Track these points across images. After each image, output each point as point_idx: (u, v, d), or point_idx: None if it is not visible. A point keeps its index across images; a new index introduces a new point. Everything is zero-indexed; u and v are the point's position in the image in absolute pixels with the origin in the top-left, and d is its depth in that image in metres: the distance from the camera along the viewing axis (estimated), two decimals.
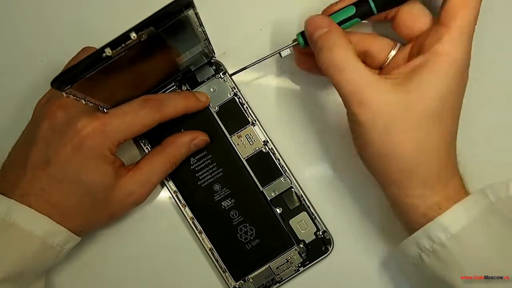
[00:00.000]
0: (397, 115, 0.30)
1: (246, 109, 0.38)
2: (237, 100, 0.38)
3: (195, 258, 0.39)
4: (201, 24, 0.30)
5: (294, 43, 0.35)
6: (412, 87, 0.30)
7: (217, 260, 0.38)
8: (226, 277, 0.38)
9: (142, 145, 0.38)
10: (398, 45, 0.35)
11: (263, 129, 0.38)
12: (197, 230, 0.38)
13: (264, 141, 0.38)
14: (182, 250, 0.39)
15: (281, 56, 0.36)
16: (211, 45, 0.34)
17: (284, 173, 0.38)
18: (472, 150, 0.36)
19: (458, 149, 0.33)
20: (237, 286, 0.38)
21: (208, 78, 0.39)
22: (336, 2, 0.34)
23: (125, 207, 0.36)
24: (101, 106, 0.32)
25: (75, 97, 0.28)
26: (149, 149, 0.38)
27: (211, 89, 0.39)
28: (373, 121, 0.30)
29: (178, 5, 0.26)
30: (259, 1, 0.40)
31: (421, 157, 0.30)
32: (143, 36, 0.25)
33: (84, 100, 0.29)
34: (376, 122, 0.30)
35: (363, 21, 0.34)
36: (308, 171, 0.39)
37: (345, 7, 0.33)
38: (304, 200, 0.38)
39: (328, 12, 0.34)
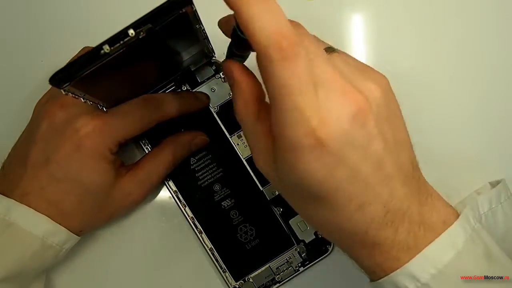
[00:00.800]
0: (283, 191, 0.27)
1: None
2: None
3: (195, 258, 0.39)
4: (200, 22, 0.30)
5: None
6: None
7: (217, 260, 0.38)
8: (226, 277, 0.38)
9: (142, 145, 0.38)
10: None
11: None
12: (197, 230, 0.38)
13: None
14: (182, 250, 0.39)
15: None
16: (211, 45, 0.34)
17: None
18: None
19: None
20: (237, 286, 0.38)
21: (208, 78, 0.39)
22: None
23: (124, 207, 0.36)
24: (100, 105, 0.32)
25: (73, 95, 0.28)
26: (149, 149, 0.38)
27: (211, 89, 0.39)
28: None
29: (176, 2, 0.26)
30: None
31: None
32: (142, 33, 0.25)
33: (83, 98, 0.29)
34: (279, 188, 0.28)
35: None
36: None
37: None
38: None
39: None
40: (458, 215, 0.28)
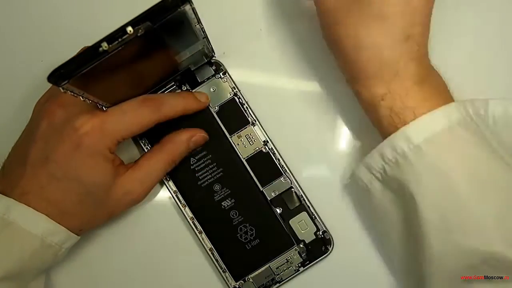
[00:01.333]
0: (341, 9, 0.32)
1: (246, 109, 0.38)
2: (237, 100, 0.38)
3: (195, 258, 0.39)
4: (199, 21, 0.30)
5: None
6: None
7: (217, 260, 0.38)
8: (226, 277, 0.38)
9: (142, 144, 0.38)
10: None
11: (263, 129, 0.38)
12: (197, 230, 0.38)
13: (264, 141, 0.38)
14: (182, 250, 0.39)
15: None
16: (211, 44, 0.34)
17: (284, 173, 0.38)
18: None
19: None
20: (237, 286, 0.38)
21: (208, 78, 0.39)
22: None
23: (124, 206, 0.36)
24: (99, 104, 0.32)
25: (72, 93, 0.28)
26: (149, 149, 0.38)
27: (211, 89, 0.39)
28: (328, 16, 0.32)
29: (175, 0, 0.26)
30: (259, 1, 0.40)
31: (360, 51, 0.31)
32: (140, 31, 0.25)
33: (82, 97, 0.29)
34: (330, 17, 0.32)
35: None
36: (308, 171, 0.39)
37: None
38: (304, 200, 0.38)
39: None
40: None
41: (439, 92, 0.32)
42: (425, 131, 0.30)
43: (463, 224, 0.29)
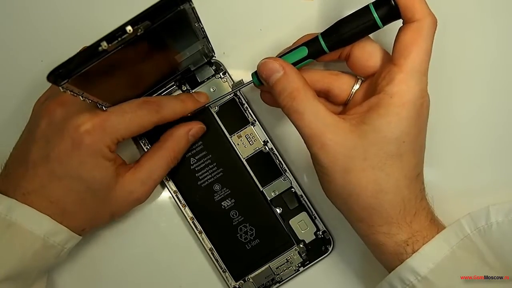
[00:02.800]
0: (355, 157, 0.30)
1: (246, 109, 0.38)
2: (237, 100, 0.38)
3: (195, 258, 0.39)
4: (198, 20, 0.30)
5: (249, 82, 0.35)
6: (368, 128, 0.30)
7: (217, 260, 0.38)
8: (226, 277, 0.38)
9: (142, 144, 0.38)
10: (360, 81, 0.35)
11: (263, 129, 0.38)
12: (197, 230, 0.38)
13: (264, 141, 0.38)
14: (182, 250, 0.39)
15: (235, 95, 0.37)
16: (211, 44, 0.34)
17: (284, 173, 0.38)
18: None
19: (426, 179, 0.33)
20: (237, 286, 0.38)
21: (208, 78, 0.39)
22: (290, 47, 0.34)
23: (127, 206, 0.36)
24: (100, 104, 0.32)
25: (72, 93, 0.28)
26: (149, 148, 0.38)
27: (211, 89, 0.39)
28: (334, 163, 0.30)
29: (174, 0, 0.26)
30: (259, 1, 0.40)
31: (381, 196, 0.30)
32: (140, 30, 0.25)
33: (82, 97, 0.29)
34: (336, 163, 0.30)
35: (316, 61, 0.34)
36: (308, 171, 0.39)
37: (296, 47, 0.33)
38: (304, 200, 0.38)
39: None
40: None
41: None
42: (429, 261, 0.30)
43: None
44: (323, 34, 0.33)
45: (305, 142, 0.31)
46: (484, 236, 0.32)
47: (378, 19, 0.31)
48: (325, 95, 0.35)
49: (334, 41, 0.32)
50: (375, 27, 0.31)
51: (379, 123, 0.30)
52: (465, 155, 0.39)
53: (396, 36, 0.31)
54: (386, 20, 0.31)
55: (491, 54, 0.39)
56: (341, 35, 0.32)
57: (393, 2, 0.30)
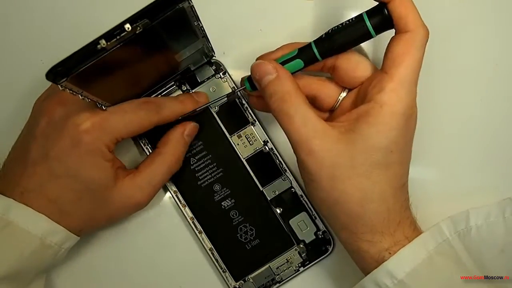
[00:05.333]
0: (343, 164, 0.30)
1: (246, 109, 0.38)
2: (237, 100, 0.38)
3: (195, 258, 0.39)
4: (198, 19, 0.30)
5: (242, 88, 0.35)
6: (356, 136, 0.30)
7: (217, 260, 0.38)
8: (226, 277, 0.38)
9: (142, 144, 0.38)
10: (347, 89, 0.35)
11: (263, 129, 0.38)
12: (197, 230, 0.38)
13: (264, 141, 0.38)
14: (182, 250, 0.39)
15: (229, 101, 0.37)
16: (210, 44, 0.34)
17: (284, 173, 0.38)
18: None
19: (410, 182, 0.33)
20: (237, 286, 0.38)
21: (208, 78, 0.39)
22: (277, 49, 0.34)
23: (125, 210, 0.36)
24: (99, 103, 0.32)
25: (71, 91, 0.28)
26: (149, 149, 0.38)
27: (211, 89, 0.39)
28: (320, 169, 0.30)
29: None
30: (259, 1, 0.40)
31: (367, 204, 0.30)
32: (138, 28, 0.25)
33: (81, 95, 0.29)
34: (323, 170, 0.30)
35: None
36: None
37: (289, 53, 0.33)
38: (304, 200, 0.38)
39: (272, 57, 0.34)
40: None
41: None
42: (406, 265, 0.30)
43: None
44: (316, 41, 0.32)
45: (292, 147, 0.31)
46: (464, 240, 0.32)
47: (371, 28, 0.31)
48: (311, 101, 0.35)
49: (326, 49, 0.32)
50: (368, 36, 0.31)
51: (367, 132, 0.30)
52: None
53: (388, 45, 0.31)
54: (379, 30, 0.31)
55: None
56: (334, 43, 0.32)
57: (386, 12, 0.30)
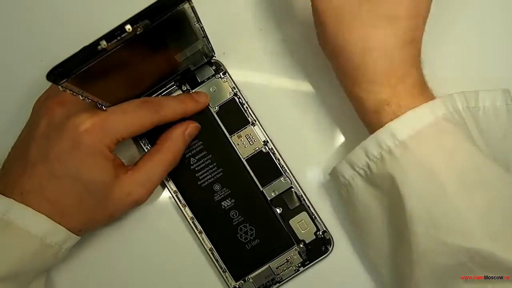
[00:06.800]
0: (349, 10, 0.30)
1: (246, 109, 0.38)
2: (237, 100, 0.38)
3: (195, 258, 0.39)
4: (198, 20, 0.30)
5: None
6: None
7: (217, 260, 0.38)
8: (226, 277, 0.38)
9: (142, 144, 0.38)
10: None
11: (263, 129, 0.38)
12: (197, 230, 0.38)
13: (264, 141, 0.38)
14: (182, 250, 0.39)
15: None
16: (210, 44, 0.34)
17: (284, 173, 0.38)
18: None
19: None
20: (237, 286, 0.38)
21: (208, 78, 0.39)
22: None
23: (125, 207, 0.36)
24: (99, 104, 0.32)
25: (72, 92, 0.28)
26: (149, 149, 0.38)
27: (211, 89, 0.39)
28: (329, 16, 0.31)
29: None
30: (259, 1, 0.40)
31: (368, 53, 0.30)
32: (139, 29, 0.25)
33: (81, 96, 0.29)
34: (331, 16, 0.31)
35: None
36: (309, 171, 0.39)
37: None
38: (304, 200, 0.38)
39: None
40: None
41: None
42: (410, 127, 0.30)
43: (448, 221, 0.29)
44: None
45: None
46: (474, 117, 0.32)
47: None
48: None
49: None
50: None
51: None
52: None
53: None
54: None
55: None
56: None
57: None
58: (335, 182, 0.35)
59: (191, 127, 0.37)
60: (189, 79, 0.39)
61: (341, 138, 0.39)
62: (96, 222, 0.36)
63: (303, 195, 0.38)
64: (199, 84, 0.39)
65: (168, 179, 0.38)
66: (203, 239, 0.38)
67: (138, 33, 0.26)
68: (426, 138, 0.30)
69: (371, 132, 0.32)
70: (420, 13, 0.31)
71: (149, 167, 0.35)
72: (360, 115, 0.33)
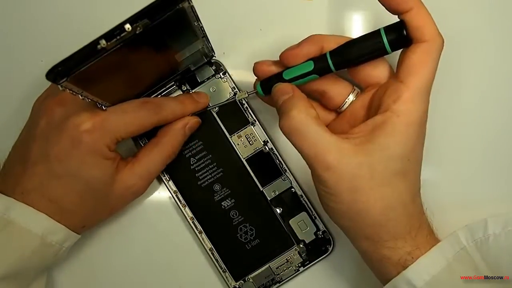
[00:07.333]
0: (362, 176, 0.30)
1: (246, 109, 0.38)
2: (237, 100, 0.38)
3: (195, 258, 0.39)
4: (198, 19, 0.30)
5: (253, 91, 0.35)
6: (373, 147, 0.30)
7: (217, 260, 0.38)
8: (226, 277, 0.38)
9: (142, 145, 0.38)
10: (356, 91, 0.34)
11: (263, 129, 0.38)
12: (197, 230, 0.38)
13: (264, 141, 0.38)
14: (182, 250, 0.39)
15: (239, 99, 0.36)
16: (210, 44, 0.34)
17: (284, 173, 0.38)
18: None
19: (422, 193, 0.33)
20: (237, 286, 0.38)
21: (208, 78, 0.39)
22: (293, 46, 0.34)
23: (125, 200, 0.36)
24: (99, 103, 0.32)
25: (71, 91, 0.28)
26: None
27: (211, 89, 0.39)
28: (340, 183, 0.30)
29: None
30: (259, 1, 0.40)
31: (390, 212, 0.30)
32: (138, 28, 0.25)
33: (81, 95, 0.29)
34: (343, 183, 0.30)
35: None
36: (308, 171, 0.39)
37: (304, 62, 0.33)
38: (304, 200, 0.38)
39: (287, 56, 0.33)
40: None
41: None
42: (425, 273, 0.30)
43: None
44: (332, 52, 0.32)
45: (308, 163, 0.31)
46: (481, 248, 0.32)
47: (388, 44, 0.31)
48: (320, 96, 0.35)
49: (341, 61, 0.32)
50: (383, 52, 0.31)
51: (385, 142, 0.30)
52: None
53: (404, 54, 0.31)
54: (395, 47, 0.31)
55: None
56: (349, 56, 0.32)
57: (404, 32, 0.30)
58: None
59: (192, 122, 0.37)
60: (189, 79, 0.39)
61: None
62: (97, 219, 0.36)
63: (303, 195, 0.38)
64: (199, 84, 0.39)
65: (168, 179, 0.38)
66: (203, 239, 0.38)
67: (137, 32, 0.26)
68: (441, 282, 0.31)
69: (384, 281, 0.32)
70: (420, 165, 0.32)
71: (149, 160, 0.36)
72: (379, 273, 0.33)
